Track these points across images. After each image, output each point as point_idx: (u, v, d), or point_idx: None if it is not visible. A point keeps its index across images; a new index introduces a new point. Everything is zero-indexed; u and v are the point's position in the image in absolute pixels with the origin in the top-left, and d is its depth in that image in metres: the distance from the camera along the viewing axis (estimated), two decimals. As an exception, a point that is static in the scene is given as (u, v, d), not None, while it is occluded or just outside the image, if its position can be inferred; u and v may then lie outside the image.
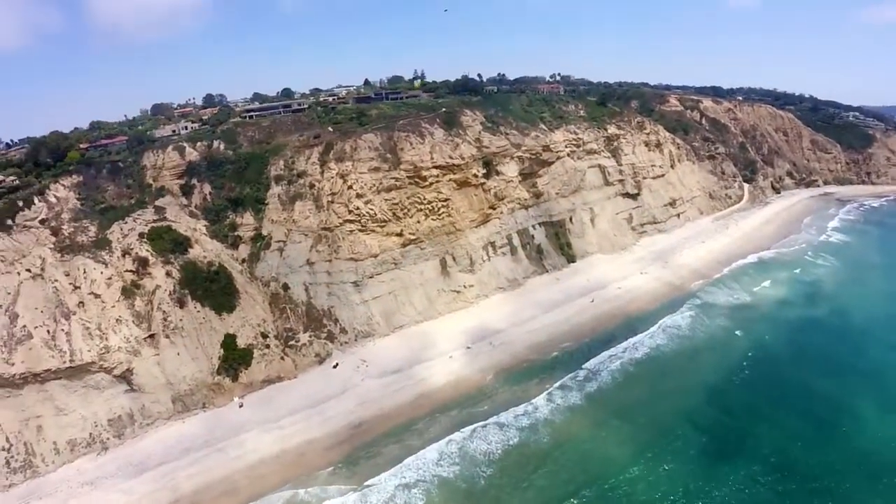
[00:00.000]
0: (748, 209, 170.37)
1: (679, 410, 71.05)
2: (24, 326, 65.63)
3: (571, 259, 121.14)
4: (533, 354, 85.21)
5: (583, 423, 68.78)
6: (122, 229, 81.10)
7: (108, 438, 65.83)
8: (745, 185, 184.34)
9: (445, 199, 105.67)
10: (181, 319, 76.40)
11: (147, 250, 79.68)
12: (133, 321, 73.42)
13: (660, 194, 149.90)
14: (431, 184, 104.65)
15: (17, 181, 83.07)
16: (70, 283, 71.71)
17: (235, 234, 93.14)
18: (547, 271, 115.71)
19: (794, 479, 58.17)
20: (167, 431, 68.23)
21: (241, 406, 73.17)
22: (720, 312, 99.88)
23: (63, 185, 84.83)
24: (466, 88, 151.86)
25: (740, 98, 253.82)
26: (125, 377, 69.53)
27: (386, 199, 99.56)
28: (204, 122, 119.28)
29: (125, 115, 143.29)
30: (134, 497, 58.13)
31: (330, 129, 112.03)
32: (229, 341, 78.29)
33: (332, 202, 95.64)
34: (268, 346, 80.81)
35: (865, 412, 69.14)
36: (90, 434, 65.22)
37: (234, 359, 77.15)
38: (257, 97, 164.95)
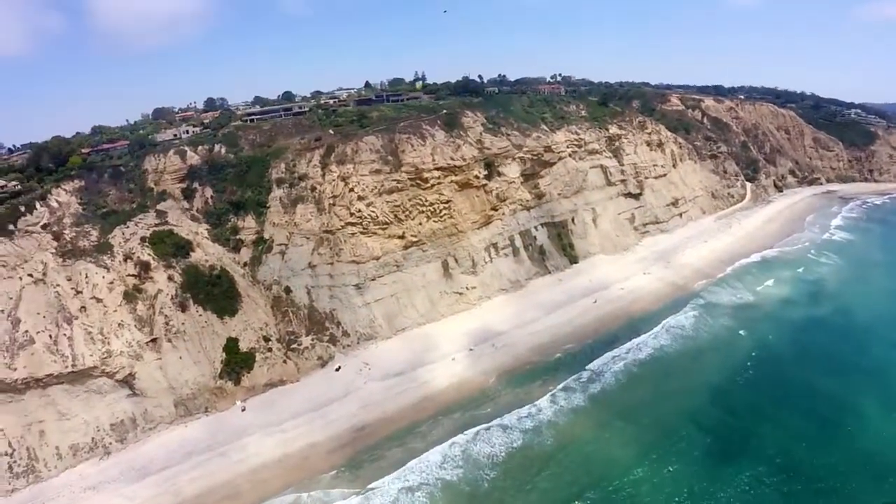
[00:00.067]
0: (751, 208, 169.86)
1: (683, 411, 70.74)
2: (27, 331, 65.71)
3: (574, 260, 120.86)
4: (536, 356, 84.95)
5: (586, 425, 68.52)
6: (123, 233, 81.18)
7: (110, 443, 65.80)
8: (748, 184, 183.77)
9: (447, 201, 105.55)
10: (183, 323, 76.40)
11: (149, 254, 79.72)
12: (135, 325, 73.45)
13: (662, 194, 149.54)
14: (433, 185, 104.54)
15: (19, 186, 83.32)
16: (72, 288, 71.77)
17: (237, 237, 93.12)
18: (549, 272, 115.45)
19: (799, 480, 57.85)
20: (170, 436, 68.13)
21: (243, 410, 73.07)
22: (723, 312, 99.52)
23: (65, 190, 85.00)
24: (467, 90, 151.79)
25: (742, 97, 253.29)
26: (127, 382, 69.54)
27: (387, 202, 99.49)
28: (205, 126, 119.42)
29: (127, 120, 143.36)
30: (136, 501, 58.07)
31: (331, 131, 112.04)
32: (231, 345, 78.24)
33: (334, 205, 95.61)
34: (270, 350, 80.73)
35: (870, 412, 68.74)
36: (92, 439, 65.18)
37: (236, 362, 77.08)
38: (258, 100, 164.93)
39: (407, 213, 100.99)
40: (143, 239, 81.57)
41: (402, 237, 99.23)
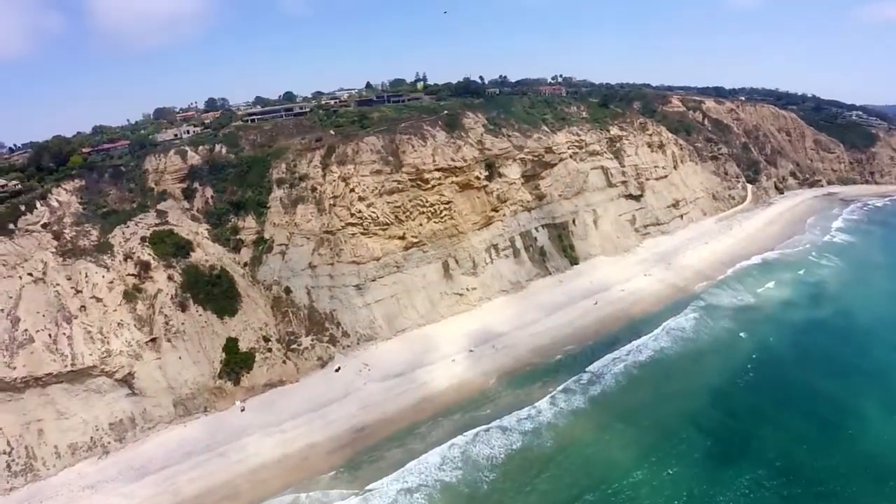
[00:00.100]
0: (751, 210, 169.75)
1: (683, 413, 70.56)
2: (26, 330, 65.69)
3: (574, 261, 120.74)
4: (536, 357, 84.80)
5: (586, 427, 68.36)
6: (123, 233, 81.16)
7: (109, 442, 65.73)
8: (749, 186, 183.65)
9: (448, 202, 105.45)
10: (183, 323, 76.34)
11: (149, 254, 79.69)
12: (135, 325, 73.39)
13: (663, 195, 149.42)
14: (433, 186, 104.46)
15: (20, 185, 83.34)
16: (72, 287, 71.73)
17: (237, 237, 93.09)
18: (550, 274, 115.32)
19: (800, 483, 57.69)
20: (169, 435, 68.05)
21: (242, 410, 72.97)
22: (724, 314, 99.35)
23: (65, 190, 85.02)
24: (468, 90, 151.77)
25: (743, 98, 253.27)
26: (127, 381, 69.48)
27: (388, 202, 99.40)
28: (206, 126, 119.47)
29: (128, 120, 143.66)
30: (135, 501, 58.00)
31: (332, 132, 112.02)
32: (231, 345, 78.18)
33: (334, 205, 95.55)
34: (270, 350, 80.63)
35: (871, 414, 68.61)
36: (91, 438, 65.12)
37: (235, 362, 77.01)
38: (259, 101, 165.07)
39: (407, 213, 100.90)
40: (143, 239, 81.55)
41: (402, 238, 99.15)
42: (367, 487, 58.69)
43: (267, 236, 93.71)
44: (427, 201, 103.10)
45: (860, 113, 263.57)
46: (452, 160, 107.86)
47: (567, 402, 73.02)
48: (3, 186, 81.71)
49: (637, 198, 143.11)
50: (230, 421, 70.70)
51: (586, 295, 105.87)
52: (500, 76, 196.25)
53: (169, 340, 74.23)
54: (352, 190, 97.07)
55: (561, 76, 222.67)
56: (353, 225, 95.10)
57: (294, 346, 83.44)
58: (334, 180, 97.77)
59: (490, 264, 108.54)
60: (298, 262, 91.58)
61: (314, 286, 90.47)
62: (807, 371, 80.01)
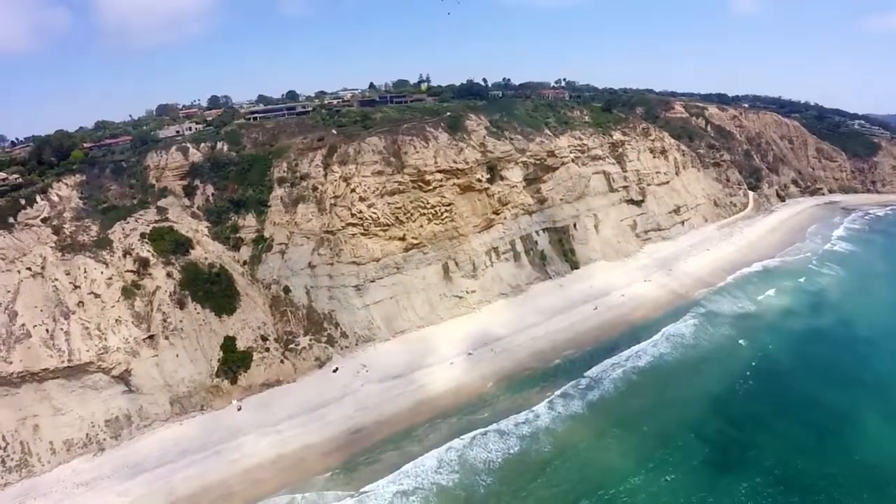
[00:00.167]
0: (753, 217, 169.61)
1: (681, 420, 70.24)
2: (23, 325, 65.42)
3: (575, 265, 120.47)
4: (535, 362, 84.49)
5: (584, 432, 68.02)
6: (123, 229, 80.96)
7: (104, 439, 65.40)
8: (750, 193, 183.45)
9: (449, 204, 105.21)
10: (181, 321, 76.08)
11: (148, 251, 79.48)
12: (132, 322, 73.10)
13: (664, 201, 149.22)
14: (435, 188, 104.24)
15: (20, 179, 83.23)
16: (70, 283, 71.45)
17: (237, 235, 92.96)
18: (550, 277, 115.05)
19: (798, 492, 57.39)
20: (164, 433, 67.75)
21: (239, 409, 72.66)
22: (724, 321, 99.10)
23: (66, 184, 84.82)
24: (471, 93, 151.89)
25: (746, 105, 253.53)
26: (123, 378, 69.16)
27: (389, 203, 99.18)
28: (208, 124, 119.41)
29: (130, 116, 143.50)
30: (129, 499, 57.65)
31: (334, 131, 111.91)
32: (229, 343, 77.92)
33: (335, 205, 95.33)
34: (267, 349, 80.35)
35: (870, 423, 68.40)
36: (87, 434, 64.80)
37: (233, 361, 76.72)
38: (262, 99, 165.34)
39: (408, 214, 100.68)
40: (142, 235, 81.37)
41: (402, 239, 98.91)
42: (363, 489, 58.34)
43: (267, 235, 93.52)
44: (428, 203, 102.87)
45: (863, 122, 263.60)
46: (454, 162, 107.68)
47: (565, 407, 72.71)
48: (3, 180, 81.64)
49: (638, 203, 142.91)
50: (226, 420, 70.40)
51: (586, 300, 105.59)
52: (504, 79, 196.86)
53: (167, 338, 73.96)
54: (353, 190, 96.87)
55: (564, 80, 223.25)
56: (353, 225, 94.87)
57: (292, 345, 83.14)
58: (335, 180, 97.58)
59: (490, 267, 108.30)
60: (298, 262, 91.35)
61: (313, 286, 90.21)
62: (806, 379, 79.76)
